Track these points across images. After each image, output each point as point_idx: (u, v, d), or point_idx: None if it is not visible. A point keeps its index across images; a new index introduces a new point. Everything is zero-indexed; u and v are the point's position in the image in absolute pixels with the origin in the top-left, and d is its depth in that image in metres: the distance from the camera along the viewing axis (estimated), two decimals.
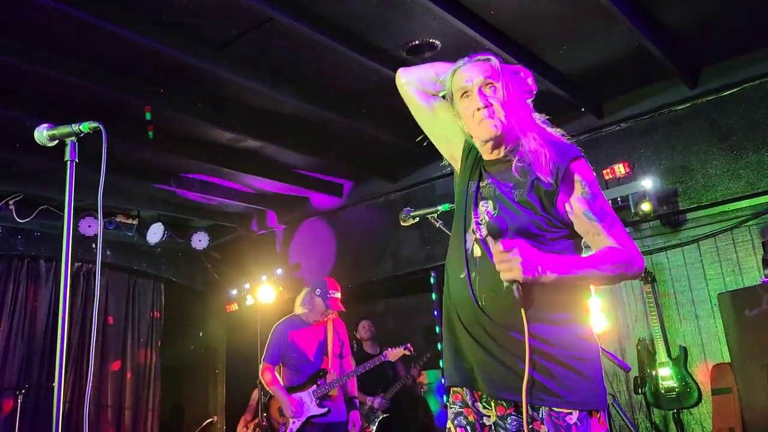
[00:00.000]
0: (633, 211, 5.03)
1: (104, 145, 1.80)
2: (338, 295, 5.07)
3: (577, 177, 1.94)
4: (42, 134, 1.84)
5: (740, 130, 4.90)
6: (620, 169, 5.19)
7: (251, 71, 4.57)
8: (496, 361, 1.84)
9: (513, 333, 1.81)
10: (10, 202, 6.29)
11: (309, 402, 4.88)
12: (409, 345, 5.47)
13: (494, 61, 2.00)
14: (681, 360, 4.94)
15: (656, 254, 5.41)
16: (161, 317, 8.08)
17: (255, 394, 6.87)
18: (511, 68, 2.05)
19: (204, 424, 7.72)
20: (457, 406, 1.94)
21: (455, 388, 1.97)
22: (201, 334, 8.38)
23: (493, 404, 1.89)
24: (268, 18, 3.92)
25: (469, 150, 2.09)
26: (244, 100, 5.06)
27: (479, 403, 1.92)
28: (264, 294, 6.95)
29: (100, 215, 1.75)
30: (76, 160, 1.82)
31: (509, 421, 1.85)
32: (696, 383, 4.84)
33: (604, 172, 5.26)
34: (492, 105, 1.92)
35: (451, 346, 1.97)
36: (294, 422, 4.85)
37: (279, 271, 7.14)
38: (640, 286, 5.27)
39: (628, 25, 4.14)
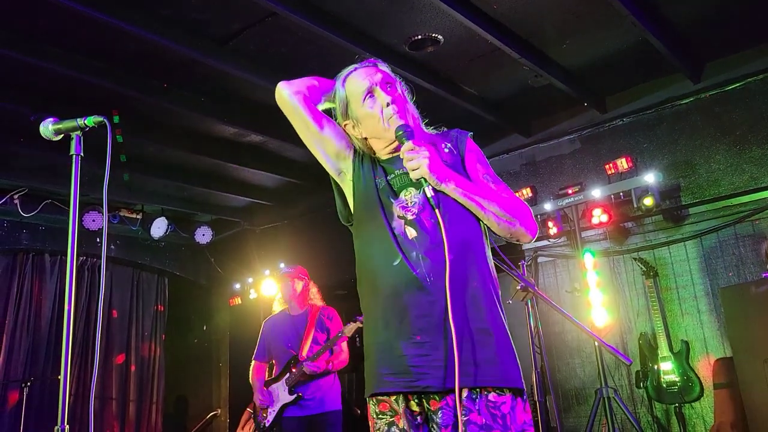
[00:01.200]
0: (635, 206, 5.04)
1: (109, 140, 1.81)
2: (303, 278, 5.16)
3: (473, 148, 2.02)
4: (47, 128, 1.85)
5: (744, 125, 4.89)
6: (623, 163, 5.19)
7: (254, 66, 4.58)
8: (441, 345, 1.72)
9: (459, 309, 1.74)
10: (15, 197, 6.32)
11: (282, 391, 4.86)
12: (360, 317, 5.42)
13: (382, 64, 2.06)
14: (683, 354, 4.95)
15: (659, 249, 5.41)
16: (165, 311, 8.13)
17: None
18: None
19: (207, 417, 7.77)
20: (388, 416, 1.78)
21: (381, 397, 1.81)
22: (205, 327, 8.43)
23: (424, 401, 1.78)
24: (272, 12, 3.93)
25: (362, 156, 2.05)
26: (247, 94, 5.07)
27: (412, 402, 1.78)
28: (267, 288, 6.97)
29: (105, 209, 1.76)
30: (82, 155, 1.83)
31: (440, 415, 1.74)
32: (698, 378, 4.85)
33: (607, 166, 5.26)
34: (397, 102, 1.95)
35: (382, 348, 1.81)
36: (269, 412, 4.87)
37: (282, 265, 7.16)
38: (642, 281, 5.28)
39: (631, 20, 4.14)
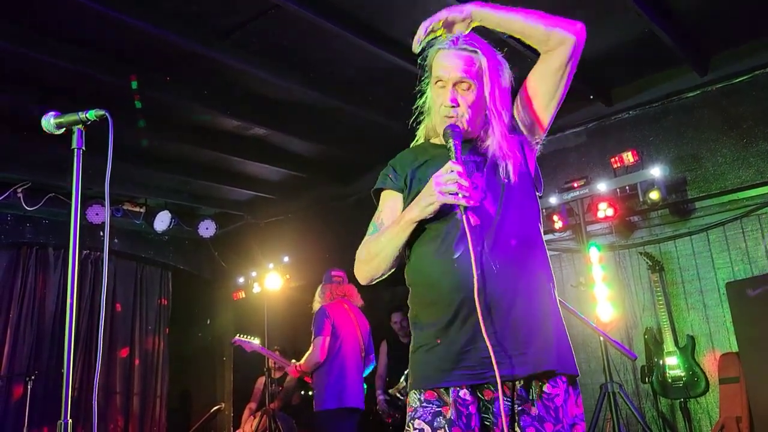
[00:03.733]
0: (641, 199, 5.01)
1: (111, 133, 1.79)
2: (340, 274, 5.19)
3: None
4: (49, 122, 1.84)
5: (751, 118, 4.85)
6: (629, 157, 5.15)
7: (257, 58, 4.56)
8: (506, 335, 1.73)
9: (521, 298, 1.77)
10: (19, 190, 6.32)
11: None
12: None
13: (480, 56, 1.92)
14: (688, 349, 4.93)
15: (664, 243, 5.38)
16: (169, 305, 8.13)
17: (260, 383, 6.91)
18: (496, 64, 1.97)
19: (211, 411, 7.77)
20: (434, 405, 1.74)
21: (438, 404, 1.76)
22: (208, 321, 8.43)
23: (477, 390, 1.76)
24: (274, 5, 3.90)
25: (415, 151, 2.06)
26: (250, 87, 5.05)
27: (464, 390, 1.75)
28: (271, 282, 6.97)
29: (107, 203, 1.74)
30: (83, 148, 1.82)
31: (496, 406, 1.73)
32: (703, 372, 4.83)
33: (613, 160, 5.23)
34: (459, 105, 1.88)
35: (446, 342, 1.77)
36: None
37: (286, 259, 7.15)
38: (648, 276, 5.25)
39: (637, 11, 4.10)
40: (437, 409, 1.74)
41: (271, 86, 5.00)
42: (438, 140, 1.98)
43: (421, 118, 2.07)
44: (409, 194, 1.94)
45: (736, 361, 4.65)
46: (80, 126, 1.81)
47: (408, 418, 1.79)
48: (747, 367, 4.44)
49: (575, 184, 5.40)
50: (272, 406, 6.19)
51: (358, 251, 1.97)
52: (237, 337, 5.93)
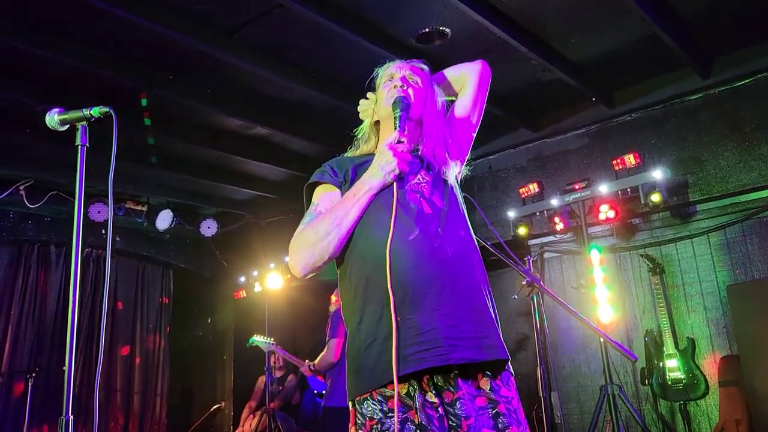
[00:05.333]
0: (643, 202, 5.01)
1: (115, 131, 1.80)
2: None
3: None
4: (53, 119, 1.84)
5: (753, 122, 4.86)
6: (630, 159, 5.16)
7: (260, 58, 4.57)
8: (468, 317, 1.71)
9: (475, 286, 1.80)
10: (21, 188, 6.32)
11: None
12: None
13: (426, 68, 2.13)
14: (688, 352, 4.93)
15: (665, 245, 5.39)
16: (170, 303, 8.14)
17: (260, 382, 6.92)
18: (433, 87, 2.14)
19: (212, 409, 7.79)
20: (400, 413, 1.64)
21: (385, 391, 1.67)
22: (209, 320, 8.44)
23: (441, 390, 1.71)
24: (278, 4, 3.91)
25: (351, 159, 2.10)
26: (253, 86, 5.06)
27: (429, 393, 1.69)
28: (272, 281, 6.98)
29: (110, 201, 1.75)
30: (87, 145, 1.82)
31: (458, 406, 1.68)
32: (703, 375, 4.83)
33: (614, 162, 5.23)
34: (408, 87, 2.01)
35: (402, 327, 1.67)
36: None
37: (287, 258, 7.15)
38: (649, 278, 5.26)
39: (640, 14, 4.10)
40: (403, 416, 1.64)
41: (274, 85, 5.01)
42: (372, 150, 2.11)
43: (357, 142, 2.20)
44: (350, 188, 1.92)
45: (736, 364, 4.66)
46: (84, 123, 1.81)
47: None
48: (747, 371, 4.45)
49: (577, 186, 5.40)
50: (272, 405, 6.20)
51: (294, 241, 1.85)
52: (255, 336, 6.01)
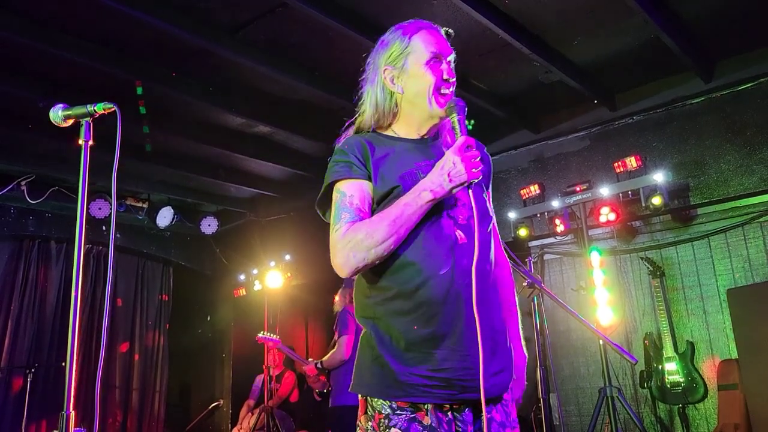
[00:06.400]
0: (644, 204, 5.01)
1: (119, 127, 1.80)
2: None
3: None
4: (57, 114, 1.84)
5: (755, 126, 4.86)
6: (632, 162, 5.16)
7: (263, 56, 4.57)
8: (478, 357, 1.64)
9: (491, 319, 1.73)
10: (22, 183, 6.33)
11: None
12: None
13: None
14: (688, 355, 4.93)
15: (666, 249, 5.38)
16: (170, 300, 8.14)
17: (258, 380, 6.93)
18: None
19: (210, 407, 7.79)
20: (408, 412, 1.64)
21: (412, 411, 1.64)
22: (209, 318, 8.44)
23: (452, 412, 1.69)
24: (282, 3, 3.91)
25: (371, 142, 1.85)
26: (255, 84, 5.06)
27: (455, 422, 1.67)
28: (272, 280, 6.98)
29: (113, 198, 1.75)
30: (91, 142, 1.82)
31: (464, 411, 1.69)
32: (702, 379, 4.83)
33: (616, 164, 5.23)
34: (455, 83, 1.85)
35: (419, 357, 1.65)
36: None
37: (287, 257, 7.16)
38: (649, 281, 5.25)
39: (643, 17, 4.10)
40: (412, 415, 1.63)
41: (276, 84, 5.01)
42: (391, 131, 1.89)
43: (362, 108, 1.95)
44: (375, 189, 1.78)
45: (735, 368, 4.65)
46: (88, 119, 1.81)
47: (379, 426, 1.65)
48: (746, 375, 4.45)
49: (578, 188, 5.41)
50: (270, 403, 6.20)
51: (344, 241, 1.70)
52: (261, 334, 6.02)
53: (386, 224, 1.65)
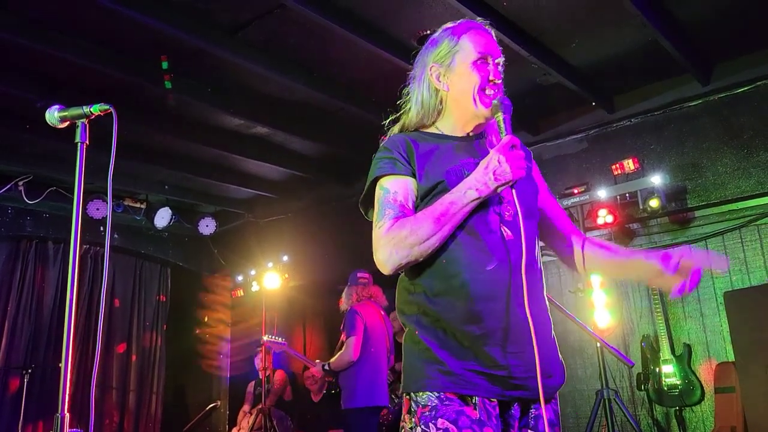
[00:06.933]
0: (641, 207, 5.01)
1: (115, 128, 1.80)
2: (366, 275, 5.25)
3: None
4: (53, 115, 1.83)
5: (752, 129, 4.86)
6: (629, 164, 5.16)
7: (262, 57, 4.57)
8: (532, 356, 1.64)
9: (539, 316, 1.73)
10: (20, 183, 6.32)
11: None
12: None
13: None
14: (685, 358, 4.93)
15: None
16: (167, 301, 8.13)
17: (250, 386, 6.94)
18: None
19: (207, 408, 7.78)
20: (456, 404, 1.62)
21: (460, 403, 1.63)
22: (206, 319, 8.43)
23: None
24: (280, 4, 3.91)
25: (415, 139, 1.85)
26: (254, 85, 5.06)
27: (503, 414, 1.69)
28: (270, 281, 6.98)
29: (109, 199, 1.75)
30: (87, 143, 1.82)
31: (514, 406, 1.70)
32: (699, 381, 4.83)
33: (613, 167, 5.24)
34: (502, 80, 1.85)
35: (471, 354, 1.65)
36: None
37: (285, 258, 7.16)
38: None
39: (641, 20, 4.11)
40: (460, 408, 1.61)
41: (274, 85, 5.01)
42: (435, 129, 1.89)
43: (408, 106, 1.94)
44: (420, 186, 1.77)
45: (732, 371, 4.66)
46: (84, 120, 1.81)
47: (423, 419, 1.62)
48: (743, 378, 4.45)
49: (575, 190, 5.41)
50: (267, 402, 6.21)
51: (387, 238, 1.67)
52: (266, 337, 6.01)
53: (431, 221, 1.65)
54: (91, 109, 1.80)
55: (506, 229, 1.72)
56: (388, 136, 1.93)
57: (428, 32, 4.27)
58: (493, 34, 1.93)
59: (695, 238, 5.22)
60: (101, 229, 7.00)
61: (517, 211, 1.67)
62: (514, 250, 1.69)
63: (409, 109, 1.92)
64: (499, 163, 1.63)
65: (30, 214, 6.79)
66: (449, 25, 1.95)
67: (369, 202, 1.85)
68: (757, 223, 4.96)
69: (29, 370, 6.10)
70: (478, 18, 2.00)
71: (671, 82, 5.23)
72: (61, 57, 4.31)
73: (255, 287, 7.47)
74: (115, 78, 4.67)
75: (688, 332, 5.14)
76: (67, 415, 1.59)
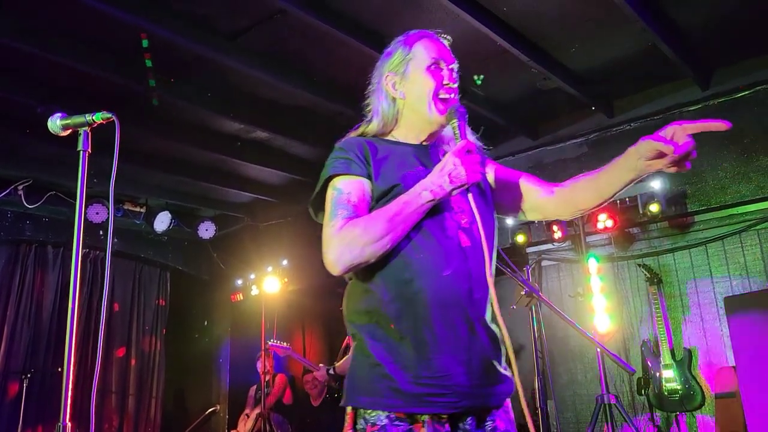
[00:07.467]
0: (641, 211, 5.02)
1: (117, 137, 1.79)
2: None
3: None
4: (55, 123, 1.83)
5: (752, 133, 4.87)
6: None
7: (262, 62, 4.57)
8: (483, 362, 1.66)
9: (491, 326, 1.72)
10: (20, 187, 6.31)
11: None
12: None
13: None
14: (685, 362, 4.93)
15: (663, 256, 5.39)
16: (167, 305, 8.12)
17: (252, 391, 6.93)
18: None
19: (207, 412, 7.76)
20: (406, 423, 1.60)
21: (410, 422, 1.60)
22: (206, 323, 8.42)
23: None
24: (280, 10, 3.92)
25: (372, 143, 1.84)
26: (253, 90, 5.06)
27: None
28: (269, 285, 6.97)
29: (111, 205, 1.74)
30: (89, 150, 1.82)
31: (468, 420, 1.67)
32: (700, 386, 4.83)
33: None
34: (456, 90, 1.85)
35: (419, 365, 1.61)
36: None
37: (285, 262, 7.15)
38: (646, 288, 5.26)
39: (641, 24, 4.11)
40: (409, 427, 1.60)
41: (274, 90, 5.01)
42: (392, 137, 1.89)
43: (369, 117, 1.94)
44: (376, 187, 1.75)
45: (733, 376, 4.66)
46: (86, 128, 1.81)
47: None
48: (744, 383, 4.44)
49: None
50: (267, 403, 6.21)
51: (338, 237, 1.64)
52: (271, 341, 6.03)
53: (384, 221, 1.62)
54: (94, 117, 1.80)
55: (463, 236, 1.71)
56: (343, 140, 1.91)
57: None
58: (447, 44, 1.94)
59: (695, 243, 5.23)
60: (101, 233, 6.99)
61: (474, 218, 1.66)
62: (470, 258, 1.68)
63: (370, 119, 1.93)
64: (455, 165, 1.62)
65: (29, 218, 6.77)
66: (402, 35, 1.96)
67: (320, 202, 1.81)
68: (757, 227, 4.97)
69: (28, 375, 6.08)
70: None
71: (671, 86, 5.23)
72: (60, 62, 4.31)
73: (255, 291, 7.46)
74: (115, 83, 4.66)
75: (688, 337, 5.14)
76: (69, 424, 1.58)
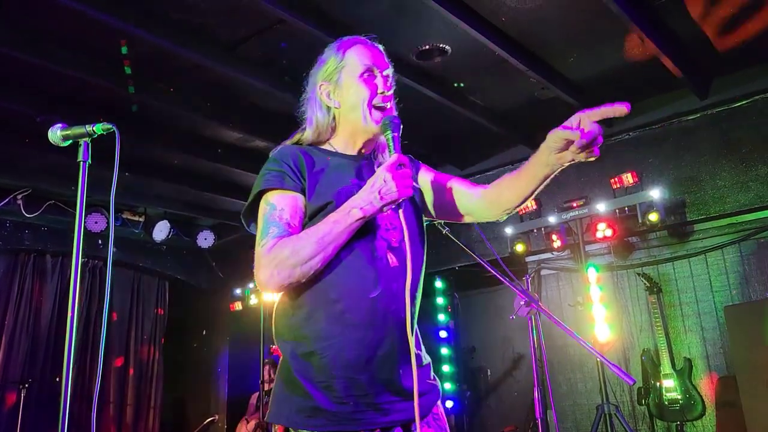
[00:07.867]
0: (640, 221, 5.02)
1: (117, 148, 1.79)
2: None
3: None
4: (56, 134, 1.83)
5: (750, 143, 4.88)
6: (628, 178, 5.17)
7: (261, 72, 4.58)
8: (407, 380, 1.65)
9: (415, 341, 1.71)
10: (19, 197, 6.31)
11: None
12: None
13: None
14: (685, 372, 4.92)
15: (663, 265, 5.39)
16: (165, 315, 8.11)
17: (254, 398, 6.90)
18: None
19: (205, 422, 7.73)
20: None
21: None
22: (204, 332, 8.40)
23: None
24: (279, 20, 3.93)
25: (308, 153, 1.81)
26: (253, 100, 5.07)
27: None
28: (268, 294, 6.95)
29: (111, 215, 1.74)
30: (89, 161, 1.82)
31: None
32: (700, 396, 4.82)
33: (612, 180, 5.25)
34: (392, 98, 1.83)
35: (348, 384, 1.61)
36: None
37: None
38: (646, 297, 5.25)
39: (639, 35, 4.13)
40: None
41: (273, 99, 5.02)
42: (329, 146, 1.86)
43: (303, 126, 1.93)
44: (309, 204, 1.72)
45: (733, 386, 4.64)
46: (87, 139, 1.81)
47: None
48: (744, 392, 4.43)
49: (574, 204, 5.42)
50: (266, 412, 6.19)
51: (269, 257, 1.62)
52: (275, 346, 6.03)
53: (313, 241, 1.60)
54: (94, 129, 1.80)
55: (392, 256, 1.69)
56: (277, 148, 1.87)
57: (427, 47, 4.32)
58: (381, 49, 1.93)
59: (694, 252, 5.23)
60: (99, 242, 6.98)
61: (404, 237, 1.63)
62: (399, 278, 1.66)
63: (304, 128, 1.91)
64: (385, 182, 1.59)
65: (28, 227, 6.77)
66: (336, 42, 1.96)
67: (252, 214, 1.80)
68: (757, 237, 4.97)
69: (26, 385, 6.06)
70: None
71: (669, 96, 5.25)
72: (60, 72, 4.32)
73: (253, 301, 7.45)
74: (113, 92, 4.67)
75: (688, 346, 5.13)
76: None
